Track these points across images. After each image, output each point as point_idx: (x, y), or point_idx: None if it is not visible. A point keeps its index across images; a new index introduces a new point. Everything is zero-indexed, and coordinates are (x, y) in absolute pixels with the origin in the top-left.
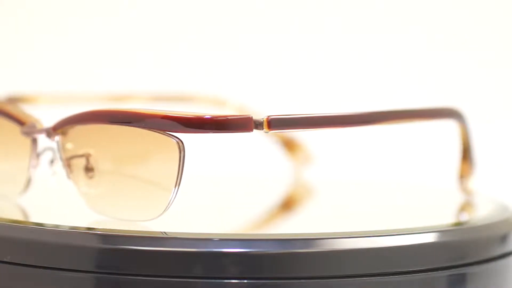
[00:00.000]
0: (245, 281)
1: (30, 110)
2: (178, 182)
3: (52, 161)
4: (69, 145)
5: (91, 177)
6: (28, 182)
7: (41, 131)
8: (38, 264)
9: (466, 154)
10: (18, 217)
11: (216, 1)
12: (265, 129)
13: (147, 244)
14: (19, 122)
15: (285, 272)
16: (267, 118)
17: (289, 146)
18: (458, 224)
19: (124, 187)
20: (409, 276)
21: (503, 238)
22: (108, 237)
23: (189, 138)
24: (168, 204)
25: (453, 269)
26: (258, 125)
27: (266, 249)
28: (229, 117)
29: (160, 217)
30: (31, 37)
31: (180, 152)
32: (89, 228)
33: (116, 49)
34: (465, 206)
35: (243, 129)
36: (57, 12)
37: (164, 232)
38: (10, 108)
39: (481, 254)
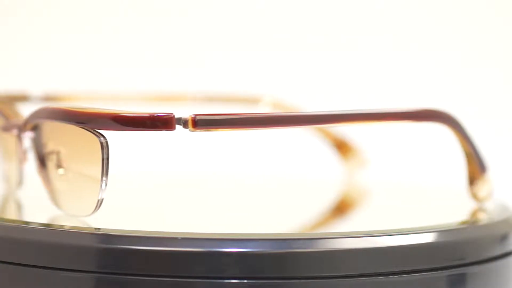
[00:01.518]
0: (245, 281)
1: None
2: (103, 180)
3: (58, 164)
4: (37, 141)
5: (48, 173)
6: (20, 178)
7: (13, 126)
8: (38, 264)
9: (470, 159)
10: (18, 216)
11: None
12: (190, 128)
13: (147, 244)
14: (6, 119)
15: (285, 272)
16: (192, 117)
17: (342, 149)
18: (457, 224)
19: (67, 183)
20: (409, 276)
21: (503, 238)
22: (108, 237)
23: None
24: (98, 201)
25: (452, 269)
26: (184, 123)
27: (266, 249)
28: (150, 115)
29: (160, 217)
30: (73, 36)
31: (102, 150)
32: (89, 228)
33: (162, 50)
34: (465, 206)
35: (164, 128)
36: (103, 12)
37: (98, 229)
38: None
39: (480, 254)
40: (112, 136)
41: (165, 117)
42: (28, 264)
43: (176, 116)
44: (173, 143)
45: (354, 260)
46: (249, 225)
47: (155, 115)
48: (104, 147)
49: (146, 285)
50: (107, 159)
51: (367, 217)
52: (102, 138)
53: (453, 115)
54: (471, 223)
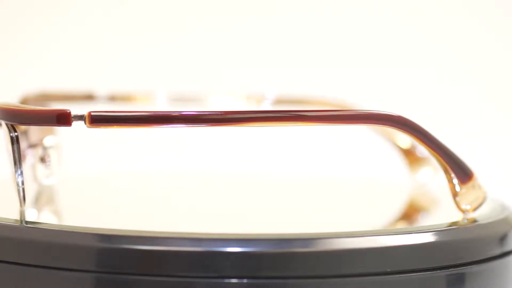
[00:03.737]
0: (245, 281)
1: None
2: (18, 175)
3: (42, 158)
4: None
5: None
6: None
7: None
8: (38, 264)
9: (445, 168)
10: (18, 217)
11: None
12: (87, 124)
13: (147, 244)
14: None
15: (284, 271)
16: (88, 114)
17: (410, 157)
18: (457, 223)
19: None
20: (408, 276)
21: (502, 238)
22: (108, 237)
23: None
24: (20, 198)
25: (452, 269)
26: (83, 120)
27: (266, 248)
28: (46, 111)
29: (160, 217)
30: (154, 37)
31: (12, 144)
32: (89, 228)
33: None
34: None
35: (61, 123)
36: (184, 12)
37: (98, 229)
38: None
39: (480, 253)
40: (114, 135)
41: (61, 112)
42: (28, 264)
43: (75, 112)
44: (173, 142)
45: (354, 260)
46: (249, 225)
47: (52, 110)
48: (14, 142)
49: (146, 285)
50: (18, 153)
51: (367, 217)
52: (13, 133)
53: (411, 120)
54: (470, 223)
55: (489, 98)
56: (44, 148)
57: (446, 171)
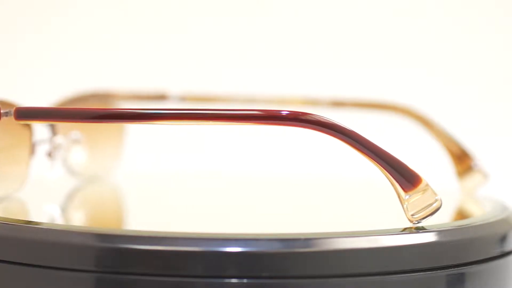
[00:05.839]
0: (245, 280)
1: None
2: None
3: (49, 154)
4: None
5: None
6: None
7: None
8: (38, 264)
9: (385, 173)
10: (18, 216)
11: None
12: (15, 120)
13: (147, 244)
14: None
15: (285, 271)
16: (15, 109)
17: (461, 161)
18: (457, 223)
19: None
20: (408, 276)
21: (502, 238)
22: (108, 236)
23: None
24: None
25: (452, 269)
26: (13, 115)
27: (266, 248)
28: None
29: (161, 216)
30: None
31: None
32: (89, 228)
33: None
34: (464, 206)
35: None
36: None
37: (98, 228)
38: None
39: (480, 253)
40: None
41: None
42: (28, 263)
43: (4, 108)
44: (173, 142)
45: (354, 260)
46: (249, 225)
47: None
48: None
49: (146, 285)
50: None
51: (367, 217)
52: None
53: (338, 123)
54: (470, 223)
55: (489, 98)
56: (53, 144)
57: (387, 177)
